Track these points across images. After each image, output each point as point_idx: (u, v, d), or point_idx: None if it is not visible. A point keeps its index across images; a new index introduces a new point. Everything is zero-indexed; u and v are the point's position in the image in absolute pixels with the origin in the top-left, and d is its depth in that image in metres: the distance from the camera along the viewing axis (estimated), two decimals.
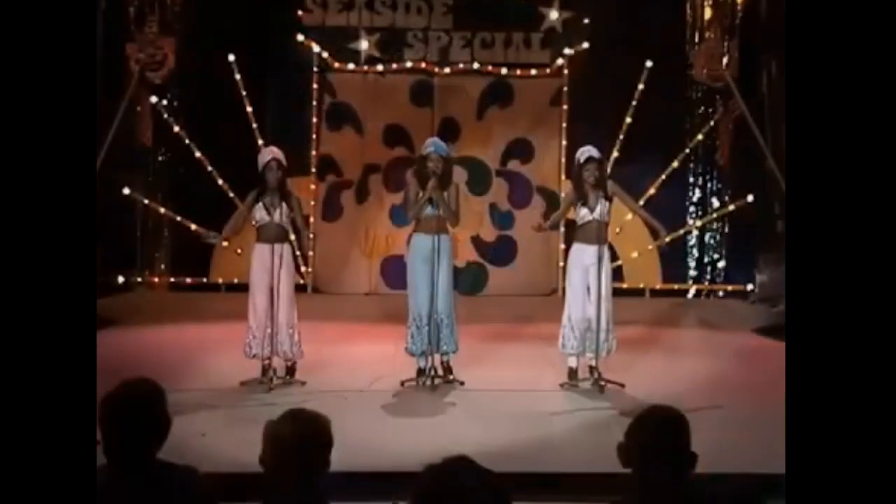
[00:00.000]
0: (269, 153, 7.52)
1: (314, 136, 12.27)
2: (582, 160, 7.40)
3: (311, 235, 11.76)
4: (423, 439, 5.83)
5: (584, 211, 7.39)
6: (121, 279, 11.99)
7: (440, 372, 7.26)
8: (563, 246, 12.15)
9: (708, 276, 12.45)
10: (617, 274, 12.09)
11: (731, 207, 12.09)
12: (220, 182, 11.84)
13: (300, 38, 12.05)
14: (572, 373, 7.46)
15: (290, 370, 7.41)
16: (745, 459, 5.40)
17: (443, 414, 6.63)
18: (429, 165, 7.18)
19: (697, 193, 12.39)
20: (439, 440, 5.77)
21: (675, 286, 12.42)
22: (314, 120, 12.28)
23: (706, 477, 2.99)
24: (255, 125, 11.83)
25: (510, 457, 5.41)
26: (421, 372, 7.21)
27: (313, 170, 12.17)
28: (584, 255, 7.40)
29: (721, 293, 12.37)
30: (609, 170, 11.57)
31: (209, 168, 11.85)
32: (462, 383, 7.29)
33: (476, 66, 12.26)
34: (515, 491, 4.85)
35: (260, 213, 7.35)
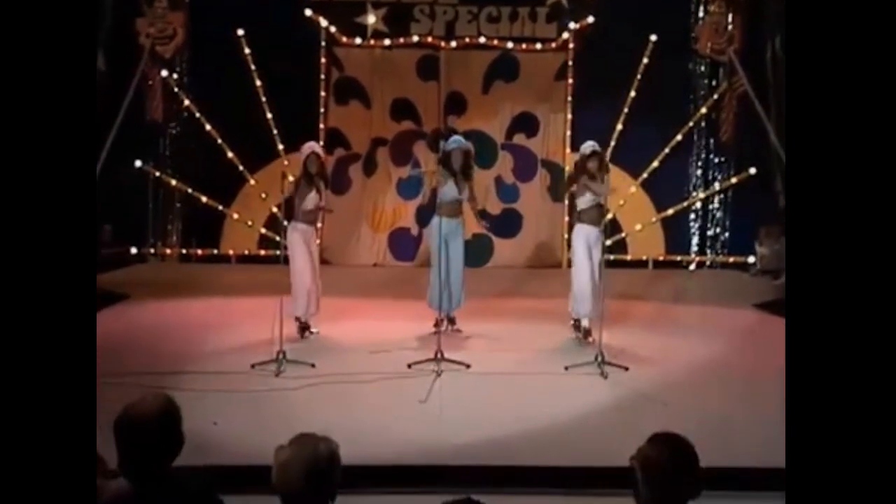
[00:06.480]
0: (309, 147, 8.27)
1: (322, 109, 12.42)
2: (586, 153, 8.09)
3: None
4: (428, 426, 5.94)
5: (587, 196, 8.04)
6: (134, 251, 12.24)
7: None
8: (567, 219, 12.38)
9: (710, 248, 12.60)
10: (621, 246, 12.34)
11: (734, 180, 12.24)
12: (230, 155, 12.02)
13: (308, 12, 12.17)
14: (587, 332, 8.19)
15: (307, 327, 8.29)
16: (746, 446, 5.52)
17: (448, 399, 6.58)
18: (451, 160, 8.29)
19: (700, 167, 12.50)
20: (444, 427, 5.90)
21: (679, 258, 12.60)
22: (322, 94, 12.42)
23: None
24: (263, 99, 11.99)
25: (512, 447, 5.54)
26: (438, 323, 8.06)
27: (321, 143, 12.28)
28: (586, 235, 8.13)
29: (723, 265, 12.54)
30: (613, 142, 11.85)
31: (219, 141, 12.01)
32: (468, 366, 7.34)
33: (482, 40, 12.37)
34: (518, 483, 5.04)
35: (311, 198, 8.16)
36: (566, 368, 7.32)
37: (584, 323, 8.27)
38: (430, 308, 8.43)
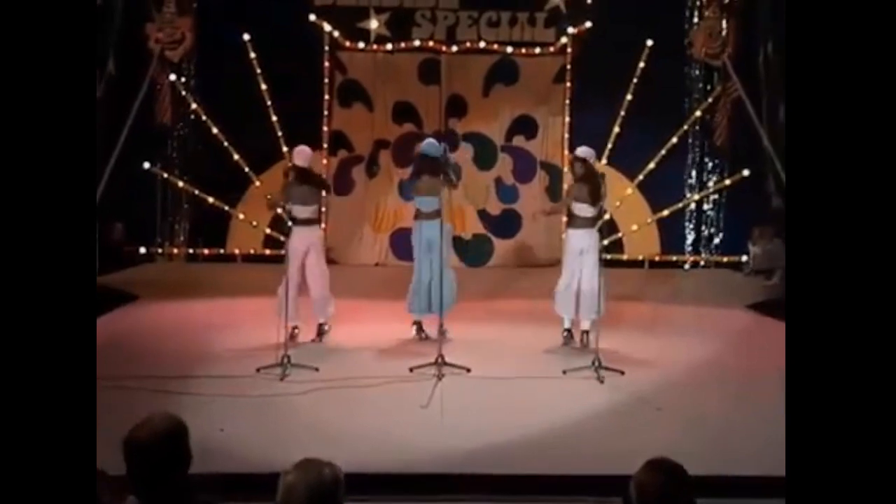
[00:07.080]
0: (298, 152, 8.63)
1: (325, 112, 12.69)
2: (572, 157, 8.51)
3: (324, 210, 12.18)
4: (429, 431, 6.11)
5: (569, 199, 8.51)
6: (142, 250, 12.55)
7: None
8: (565, 219, 12.65)
9: (704, 248, 12.88)
10: (617, 246, 12.61)
11: (728, 182, 12.49)
12: (237, 157, 12.29)
13: (312, 17, 12.43)
14: (568, 334, 8.51)
15: (320, 331, 8.56)
16: (743, 449, 5.62)
17: (448, 404, 6.68)
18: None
19: (695, 168, 12.76)
20: (444, 432, 6.07)
21: (674, 258, 12.88)
22: (325, 97, 12.69)
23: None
24: (268, 102, 12.25)
25: (512, 452, 5.71)
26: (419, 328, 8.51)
27: (325, 145, 12.59)
28: (574, 238, 8.57)
29: (717, 265, 12.80)
30: (610, 144, 12.13)
31: (225, 143, 12.28)
32: (469, 370, 7.51)
33: (482, 44, 12.63)
34: (519, 490, 5.22)
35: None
36: (564, 372, 7.50)
37: (566, 323, 8.53)
38: (408, 312, 8.74)
